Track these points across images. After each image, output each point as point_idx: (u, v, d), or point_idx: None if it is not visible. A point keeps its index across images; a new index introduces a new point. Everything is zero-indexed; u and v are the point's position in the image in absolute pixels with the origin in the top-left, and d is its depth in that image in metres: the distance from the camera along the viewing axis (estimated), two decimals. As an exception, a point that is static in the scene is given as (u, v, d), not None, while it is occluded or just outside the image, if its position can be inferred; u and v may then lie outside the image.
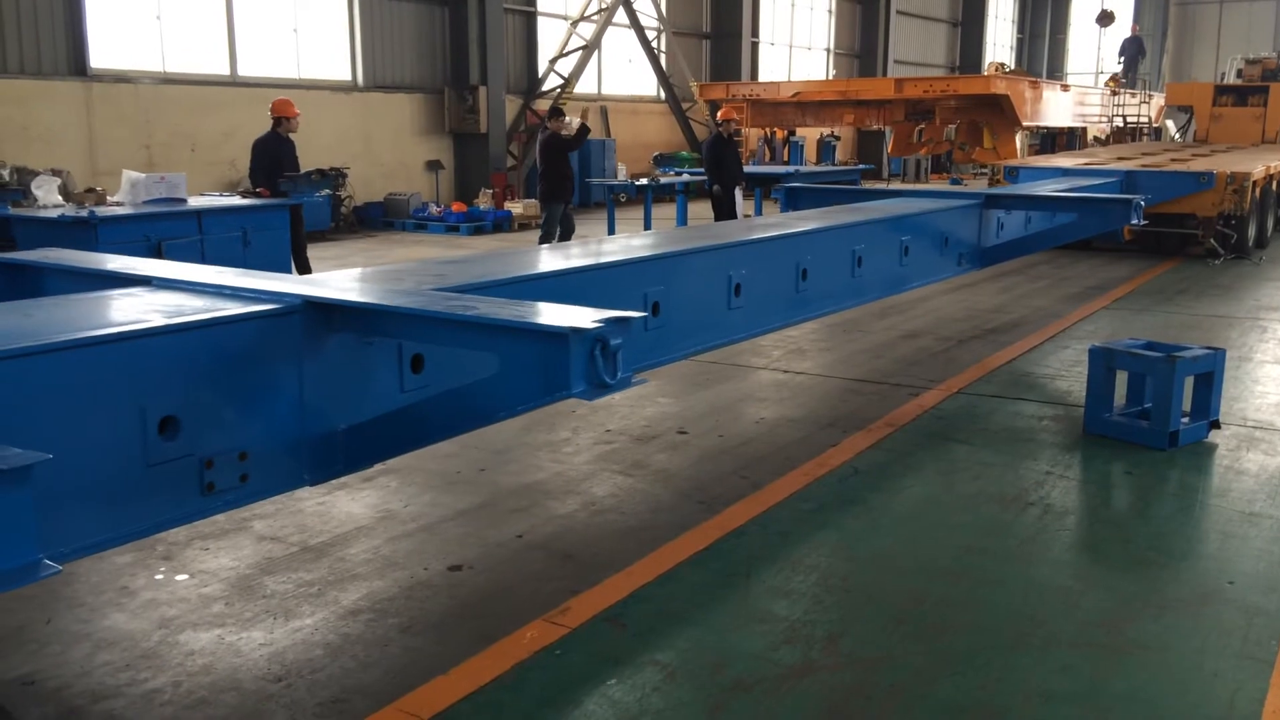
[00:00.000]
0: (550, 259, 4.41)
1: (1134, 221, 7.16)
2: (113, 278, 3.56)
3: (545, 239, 11.56)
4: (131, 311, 2.91)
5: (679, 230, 5.84)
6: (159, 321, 2.75)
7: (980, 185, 16.59)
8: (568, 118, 12.39)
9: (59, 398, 2.50)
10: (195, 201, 8.71)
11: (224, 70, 15.27)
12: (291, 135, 10.36)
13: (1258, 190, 12.74)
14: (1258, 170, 12.61)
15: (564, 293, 3.71)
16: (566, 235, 11.67)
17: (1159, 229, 12.16)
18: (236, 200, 9.20)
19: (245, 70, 15.52)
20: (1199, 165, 13.05)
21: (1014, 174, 13.03)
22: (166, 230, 7.89)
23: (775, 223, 6.01)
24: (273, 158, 10.05)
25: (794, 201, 7.82)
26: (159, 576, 3.87)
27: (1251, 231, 12.87)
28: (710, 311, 4.68)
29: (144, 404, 2.63)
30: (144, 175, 8.43)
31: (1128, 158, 15.01)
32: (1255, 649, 3.34)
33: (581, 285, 3.93)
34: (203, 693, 3.10)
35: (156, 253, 7.72)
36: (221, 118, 14.88)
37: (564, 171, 11.82)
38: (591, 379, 2.64)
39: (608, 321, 2.64)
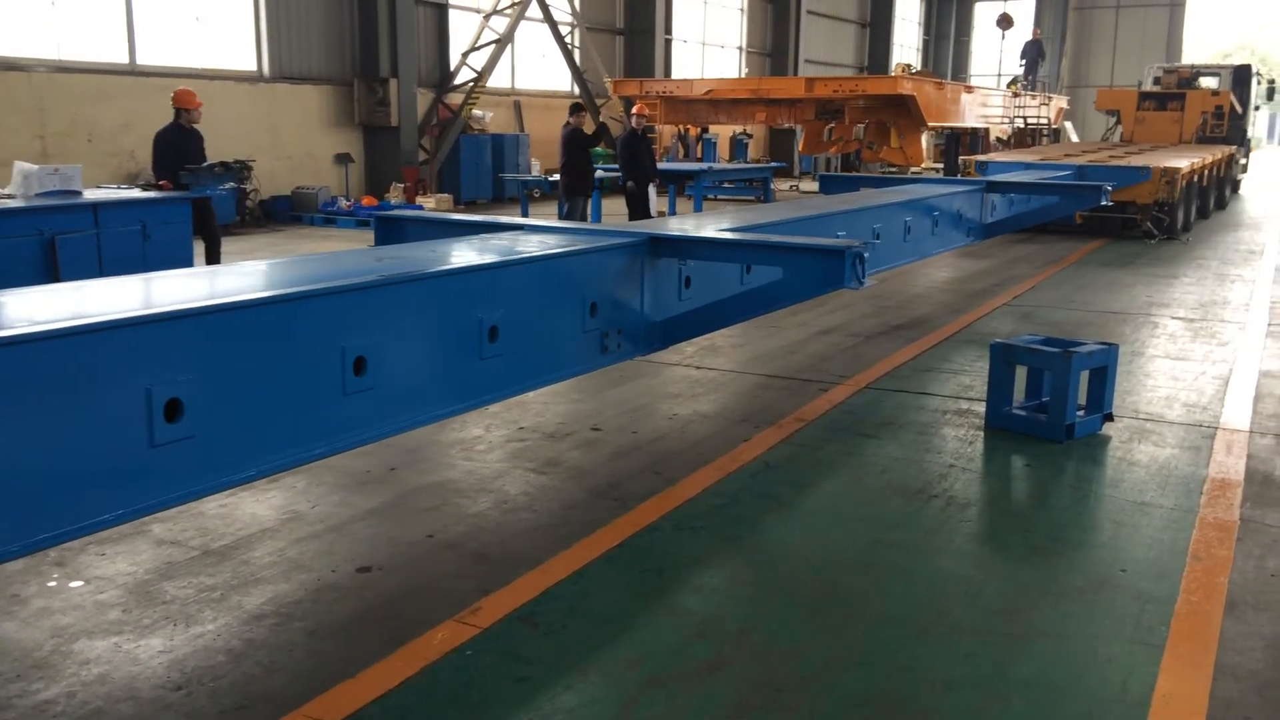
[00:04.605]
0: (737, 217, 6.12)
1: (1104, 203, 9.25)
2: (479, 225, 5.01)
3: None
4: (547, 242, 4.35)
5: (784, 204, 7.13)
6: (584, 245, 4.25)
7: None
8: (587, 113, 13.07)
9: (546, 294, 4.04)
10: (91, 194, 8.40)
11: (122, 59, 14.75)
12: (196, 126, 10.10)
13: (1184, 182, 15.18)
14: (1185, 166, 15.04)
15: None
16: None
17: (1104, 214, 14.26)
18: (135, 193, 8.91)
19: (145, 59, 15.01)
20: (1136, 161, 15.27)
21: (984, 167, 14.79)
22: (60, 224, 7.59)
23: (853, 198, 7.54)
24: (175, 150, 9.76)
25: (828, 186, 9.65)
26: (52, 583, 3.73)
27: (1180, 216, 15.38)
28: None
29: (585, 295, 4.22)
30: (37, 167, 8.10)
31: (1073, 155, 17.14)
32: (1147, 634, 3.47)
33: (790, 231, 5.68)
34: (98, 703, 2.99)
35: (50, 247, 7.44)
36: (120, 108, 14.38)
37: (585, 166, 12.61)
38: (852, 279, 4.14)
39: (863, 243, 4.22)
